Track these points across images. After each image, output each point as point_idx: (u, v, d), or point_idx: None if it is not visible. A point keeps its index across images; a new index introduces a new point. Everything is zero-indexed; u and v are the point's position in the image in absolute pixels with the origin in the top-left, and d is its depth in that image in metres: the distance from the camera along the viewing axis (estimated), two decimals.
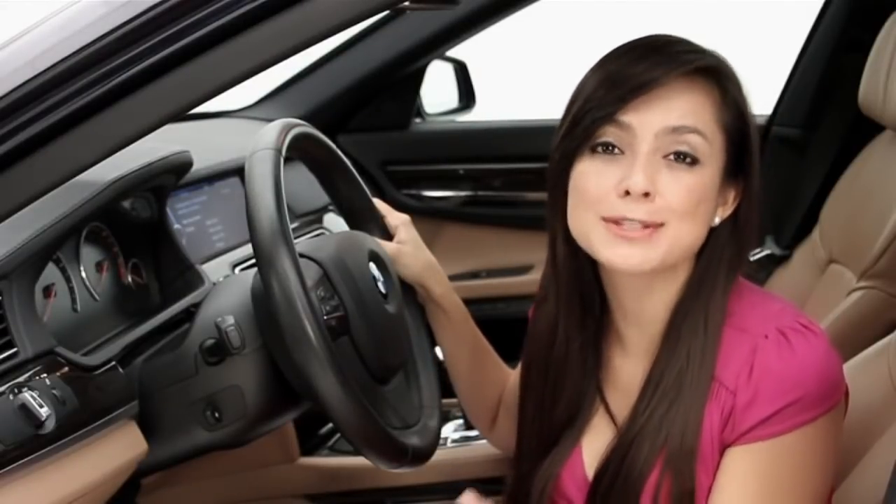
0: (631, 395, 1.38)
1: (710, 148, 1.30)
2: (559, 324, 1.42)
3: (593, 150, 1.30)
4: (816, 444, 1.31)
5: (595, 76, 1.32)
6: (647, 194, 1.27)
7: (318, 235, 2.15)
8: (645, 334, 1.38)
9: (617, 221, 1.28)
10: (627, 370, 1.41)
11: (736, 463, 1.31)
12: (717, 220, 1.34)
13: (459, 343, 1.64)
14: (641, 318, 1.38)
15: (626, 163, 1.29)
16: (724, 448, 1.32)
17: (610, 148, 1.30)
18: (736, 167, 1.33)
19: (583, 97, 1.32)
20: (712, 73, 1.31)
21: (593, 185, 1.30)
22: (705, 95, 1.30)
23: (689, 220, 1.29)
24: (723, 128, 1.31)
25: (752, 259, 2.50)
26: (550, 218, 1.39)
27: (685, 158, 1.29)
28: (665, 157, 1.29)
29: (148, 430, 1.44)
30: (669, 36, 1.34)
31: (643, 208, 1.27)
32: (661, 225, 1.28)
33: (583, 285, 1.39)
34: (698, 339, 1.32)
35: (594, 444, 1.41)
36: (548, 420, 1.45)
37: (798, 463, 1.30)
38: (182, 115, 1.19)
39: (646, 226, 1.28)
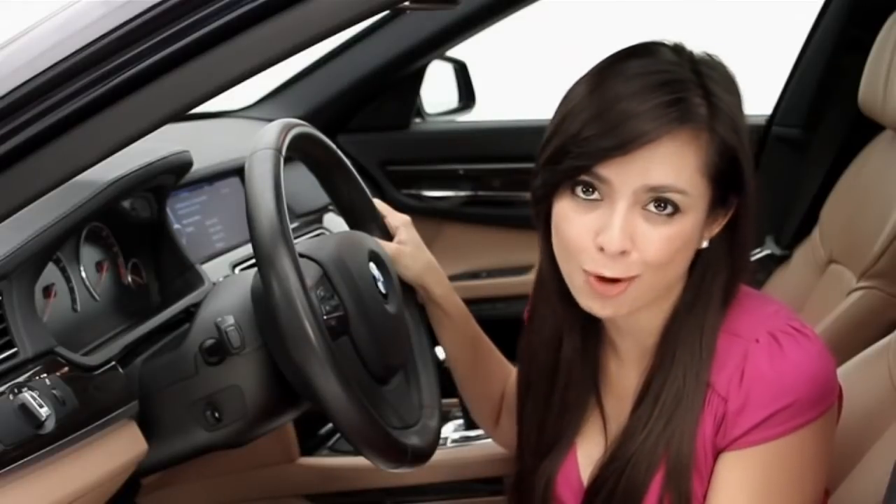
0: (625, 401, 1.38)
1: (692, 199, 1.26)
2: (564, 331, 1.42)
3: (573, 190, 1.27)
4: (809, 449, 1.30)
5: (582, 109, 1.26)
6: (623, 252, 1.25)
7: (318, 235, 2.14)
8: (638, 345, 1.38)
9: (593, 275, 1.27)
10: (622, 376, 1.41)
11: (729, 469, 1.30)
12: (704, 244, 1.31)
13: (461, 343, 1.64)
14: (634, 331, 1.37)
15: (603, 212, 1.26)
16: (717, 454, 1.31)
17: (591, 190, 1.27)
18: (725, 194, 1.29)
19: (567, 132, 1.27)
20: (701, 116, 1.26)
21: (573, 234, 1.28)
22: (690, 143, 1.25)
23: (664, 270, 1.28)
24: (706, 175, 1.26)
25: (752, 259, 2.50)
26: (539, 234, 1.38)
27: (665, 208, 1.25)
28: (644, 207, 1.25)
29: (148, 430, 1.44)
30: (668, 67, 1.27)
31: (618, 265, 1.26)
32: (633, 278, 1.27)
33: (573, 299, 1.39)
34: (695, 355, 1.32)
35: (589, 448, 1.41)
36: (551, 424, 1.45)
37: (791, 467, 1.30)
38: (182, 115, 1.19)
39: (620, 280, 1.27)
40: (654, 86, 1.25)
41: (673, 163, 1.24)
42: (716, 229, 1.32)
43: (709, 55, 1.31)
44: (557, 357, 1.43)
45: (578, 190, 1.27)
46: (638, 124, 1.23)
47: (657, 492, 1.31)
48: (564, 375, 1.43)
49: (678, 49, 1.30)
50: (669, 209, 1.25)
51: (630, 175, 1.24)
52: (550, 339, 1.43)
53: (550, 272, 1.37)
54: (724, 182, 1.28)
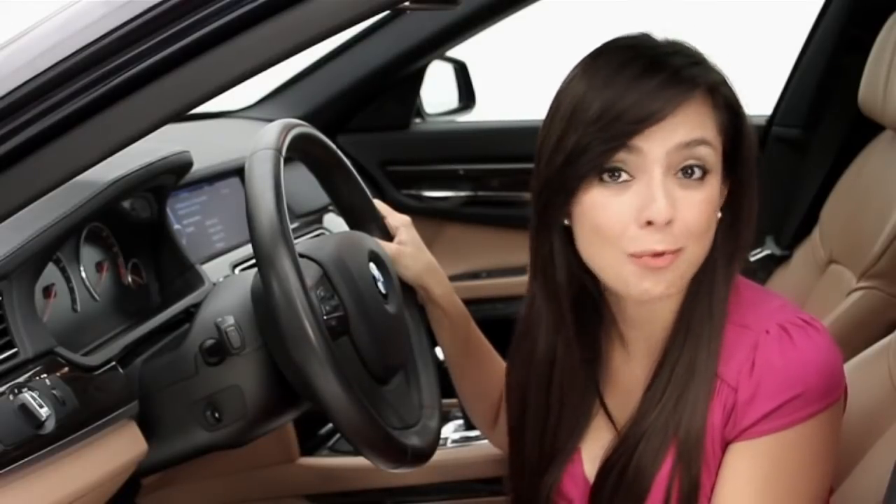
0: (630, 395, 1.38)
1: (716, 155, 1.28)
2: (559, 345, 1.40)
3: (600, 178, 1.28)
4: (817, 440, 1.31)
5: (592, 102, 1.27)
6: (669, 222, 1.25)
7: (318, 235, 2.15)
8: (649, 336, 1.38)
9: (645, 255, 1.27)
10: (628, 371, 1.41)
11: (738, 459, 1.31)
12: (719, 215, 1.32)
13: (460, 344, 1.64)
14: (646, 322, 1.37)
15: (640, 189, 1.26)
16: (725, 445, 1.32)
17: (617, 174, 1.27)
18: (730, 164, 1.32)
19: (581, 124, 1.27)
20: (704, 80, 1.29)
21: (610, 218, 1.27)
22: (702, 103, 1.28)
23: (703, 239, 1.29)
24: (723, 131, 1.30)
25: (752, 259, 2.51)
26: (541, 245, 1.36)
27: (693, 173, 1.27)
28: (675, 174, 1.27)
29: (148, 430, 1.44)
30: (655, 42, 1.31)
31: (667, 237, 1.26)
32: (679, 250, 1.27)
33: (584, 305, 1.38)
34: (704, 335, 1.32)
35: (593, 446, 1.41)
36: (551, 436, 1.44)
37: (800, 458, 1.30)
38: (182, 115, 1.19)
39: (667, 252, 1.27)
40: (663, 55, 1.28)
41: (695, 117, 1.27)
42: (721, 200, 1.33)
43: (672, 39, 1.34)
44: (552, 371, 1.42)
45: (605, 177, 1.28)
46: (657, 96, 1.25)
47: (666, 477, 1.31)
48: (560, 385, 1.42)
49: (647, 35, 1.33)
50: (698, 173, 1.27)
51: (661, 137, 1.26)
52: (548, 352, 1.41)
53: (565, 276, 1.36)
54: (732, 143, 1.31)
